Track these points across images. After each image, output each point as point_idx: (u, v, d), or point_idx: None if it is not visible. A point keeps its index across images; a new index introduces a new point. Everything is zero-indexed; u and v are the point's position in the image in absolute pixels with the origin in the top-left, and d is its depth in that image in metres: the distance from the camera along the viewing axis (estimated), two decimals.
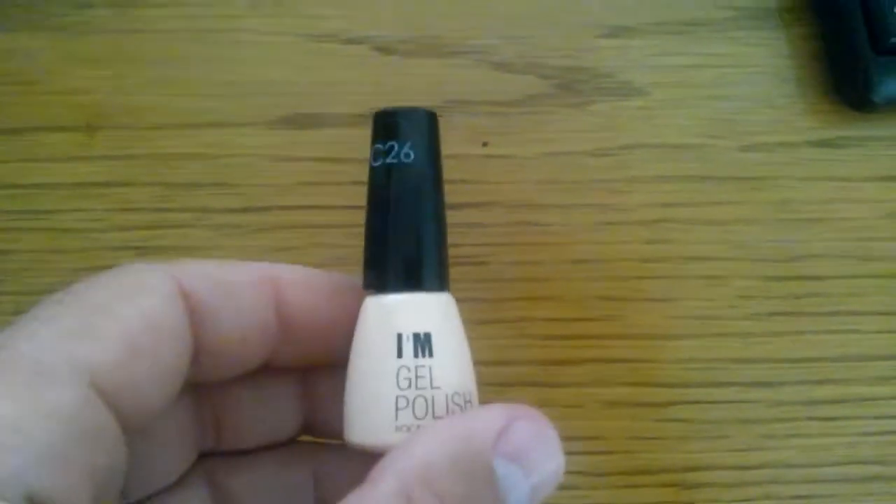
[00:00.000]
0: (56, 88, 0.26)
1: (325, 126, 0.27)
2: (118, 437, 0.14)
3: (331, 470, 0.20)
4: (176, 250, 0.25)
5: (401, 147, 0.17)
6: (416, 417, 0.16)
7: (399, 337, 0.16)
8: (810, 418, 0.26)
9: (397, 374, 0.16)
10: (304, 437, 0.20)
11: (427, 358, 0.16)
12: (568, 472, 0.25)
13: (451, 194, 0.26)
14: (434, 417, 0.16)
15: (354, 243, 0.26)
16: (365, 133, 0.26)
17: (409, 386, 0.16)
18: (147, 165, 0.26)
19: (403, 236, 0.17)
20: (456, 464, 0.14)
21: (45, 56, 0.26)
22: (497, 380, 0.25)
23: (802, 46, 0.28)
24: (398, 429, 0.16)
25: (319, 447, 0.20)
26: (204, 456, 0.19)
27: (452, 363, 0.16)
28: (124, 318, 0.14)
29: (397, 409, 0.16)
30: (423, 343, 0.16)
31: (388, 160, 0.17)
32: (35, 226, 0.25)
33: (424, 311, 0.17)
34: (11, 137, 0.26)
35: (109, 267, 0.25)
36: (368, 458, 0.14)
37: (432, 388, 0.16)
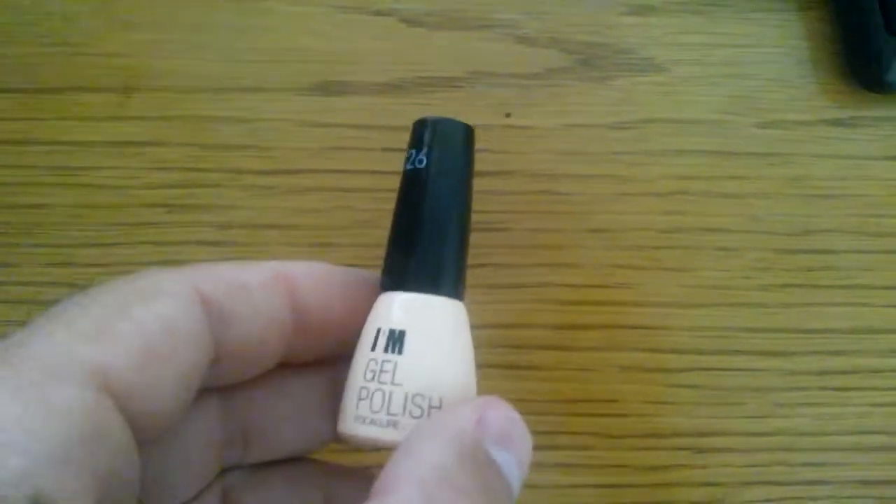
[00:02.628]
0: (95, 50, 0.27)
1: (353, 94, 0.27)
2: (129, 442, 0.14)
3: (342, 493, 0.19)
4: (207, 209, 0.26)
5: (418, 153, 0.18)
6: (371, 410, 0.16)
7: (378, 331, 0.17)
8: (822, 388, 0.26)
9: (366, 366, 0.16)
10: (317, 456, 0.20)
11: (395, 354, 0.16)
12: (583, 434, 0.26)
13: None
14: (388, 413, 0.16)
15: (378, 207, 0.27)
16: (392, 101, 0.28)
17: (372, 379, 0.16)
18: (181, 127, 0.27)
19: (412, 239, 0.17)
20: (464, 459, 0.14)
21: (86, 19, 0.27)
22: (516, 342, 0.26)
23: (818, 28, 0.29)
24: (356, 419, 0.16)
25: (332, 469, 0.20)
26: (223, 471, 0.19)
27: (425, 365, 0.16)
28: (140, 321, 0.14)
29: (359, 399, 0.16)
30: (395, 340, 0.16)
31: (408, 165, 0.18)
32: (71, 181, 0.26)
33: (413, 311, 0.17)
34: (51, 96, 0.27)
35: (143, 223, 0.26)
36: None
37: (392, 383, 0.16)
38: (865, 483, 0.26)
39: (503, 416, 0.15)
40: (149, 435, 0.14)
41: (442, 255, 0.17)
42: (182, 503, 0.17)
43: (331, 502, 0.19)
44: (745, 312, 0.27)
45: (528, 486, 0.25)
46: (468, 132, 0.18)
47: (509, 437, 0.15)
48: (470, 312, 0.18)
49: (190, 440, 0.17)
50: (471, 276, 0.27)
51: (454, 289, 0.18)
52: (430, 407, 0.16)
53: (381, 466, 0.14)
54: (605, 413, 0.26)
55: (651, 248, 0.27)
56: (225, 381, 0.17)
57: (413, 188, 0.18)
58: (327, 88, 0.27)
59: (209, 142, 0.27)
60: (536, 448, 0.25)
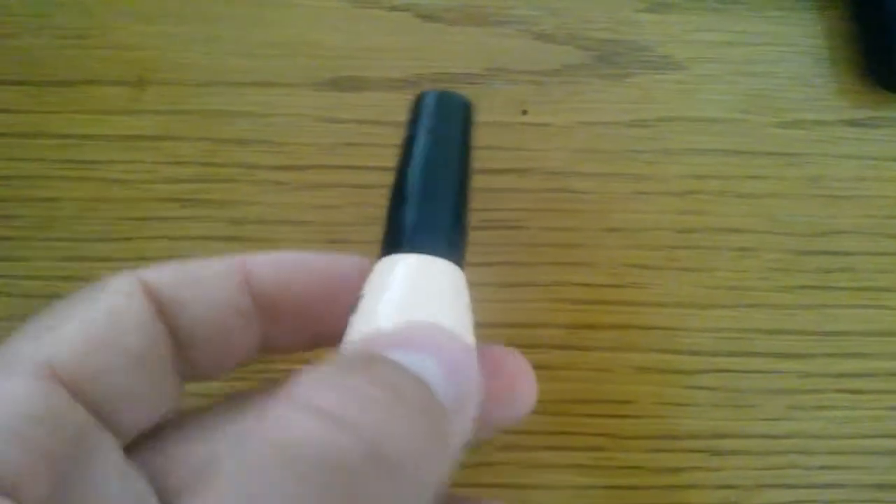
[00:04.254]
0: (108, 43, 0.27)
1: (368, 89, 0.27)
2: (85, 426, 0.14)
3: None
4: (221, 204, 0.26)
5: (418, 120, 0.18)
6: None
7: (375, 290, 0.16)
8: (837, 391, 0.26)
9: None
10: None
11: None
12: (596, 435, 0.26)
13: (489, 160, 0.27)
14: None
15: None
16: (407, 97, 0.27)
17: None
18: (195, 121, 0.26)
19: (415, 198, 0.17)
20: (347, 363, 0.13)
21: (99, 11, 0.27)
22: (529, 342, 0.26)
23: (837, 27, 0.29)
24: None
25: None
26: None
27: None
28: (83, 318, 0.15)
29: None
30: (394, 298, 0.16)
31: (407, 133, 0.18)
32: (84, 175, 0.26)
33: (416, 271, 0.16)
34: (64, 89, 0.26)
35: (156, 218, 0.26)
36: None
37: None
38: (881, 487, 0.26)
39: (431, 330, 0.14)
40: (137, 424, 0.15)
41: (445, 217, 0.17)
42: (156, 419, 0.17)
43: None
44: (762, 314, 0.26)
45: (541, 486, 0.25)
46: (466, 103, 0.18)
47: (413, 340, 0.14)
48: (481, 311, 0.18)
49: (148, 361, 0.17)
50: (485, 274, 0.27)
51: (459, 254, 0.17)
52: None
53: None
54: (619, 414, 0.26)
55: (667, 248, 0.27)
56: (204, 372, 0.17)
57: (413, 153, 0.18)
58: (342, 84, 0.27)
59: (223, 136, 0.26)
60: (550, 449, 0.26)
